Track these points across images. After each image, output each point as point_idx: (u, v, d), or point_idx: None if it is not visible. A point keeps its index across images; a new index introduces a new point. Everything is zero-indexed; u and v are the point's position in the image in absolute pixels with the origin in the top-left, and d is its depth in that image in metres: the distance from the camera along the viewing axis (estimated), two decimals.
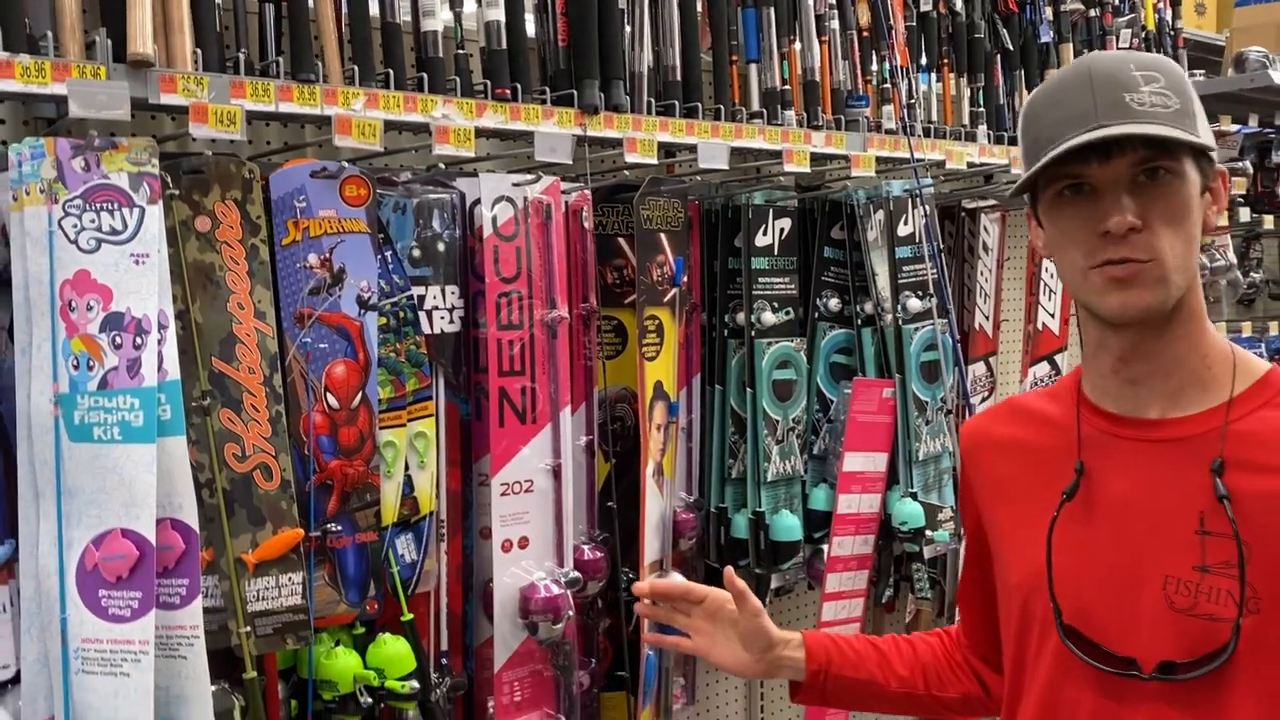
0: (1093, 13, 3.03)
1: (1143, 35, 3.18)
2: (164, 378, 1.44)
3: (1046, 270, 2.85)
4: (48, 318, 1.41)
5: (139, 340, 1.42)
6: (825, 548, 2.42)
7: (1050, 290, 2.85)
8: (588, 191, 2.05)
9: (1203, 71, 3.73)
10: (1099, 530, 1.17)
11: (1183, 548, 1.10)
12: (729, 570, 1.36)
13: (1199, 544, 1.10)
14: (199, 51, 1.58)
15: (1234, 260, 3.62)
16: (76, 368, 1.41)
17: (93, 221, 1.42)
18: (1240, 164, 3.43)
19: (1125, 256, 1.08)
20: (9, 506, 1.46)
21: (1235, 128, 3.48)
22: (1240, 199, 3.46)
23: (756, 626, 1.35)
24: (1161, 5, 3.28)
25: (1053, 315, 2.85)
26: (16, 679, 1.47)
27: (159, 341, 1.43)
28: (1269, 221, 3.63)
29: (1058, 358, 2.89)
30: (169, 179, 1.50)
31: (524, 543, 1.88)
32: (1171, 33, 3.27)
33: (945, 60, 2.70)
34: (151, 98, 1.53)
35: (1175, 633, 1.10)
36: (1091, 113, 1.07)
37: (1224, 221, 3.40)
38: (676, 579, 2.16)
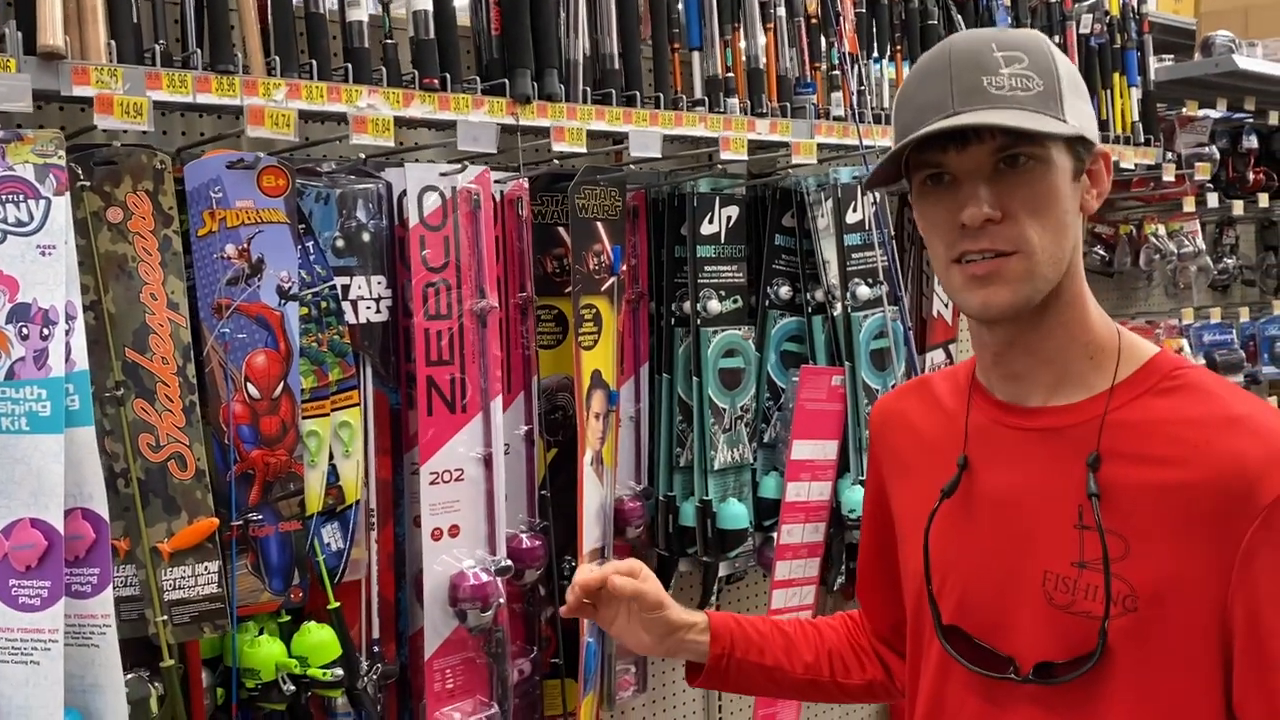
0: None
1: (1105, 20, 3.16)
2: (72, 368, 1.45)
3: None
4: None
5: (46, 331, 1.43)
6: (774, 535, 2.43)
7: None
8: (524, 181, 2.05)
9: (1172, 56, 3.71)
10: (981, 524, 1.14)
11: (1062, 542, 1.07)
12: (613, 579, 1.26)
13: (1078, 539, 1.06)
14: (114, 43, 1.58)
15: (1203, 246, 3.60)
16: None
17: None
18: (1208, 149, 3.41)
19: (985, 248, 1.03)
20: None
21: (1203, 113, 3.46)
22: (1209, 184, 3.44)
23: (657, 616, 1.31)
24: None
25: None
26: None
27: (66, 332, 1.44)
28: (1239, 207, 3.61)
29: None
30: (79, 170, 1.50)
31: (454, 531, 1.89)
32: (1136, 17, 3.25)
33: (899, 48, 2.69)
34: (64, 89, 1.53)
35: (1054, 631, 1.07)
36: (948, 99, 1.03)
37: (1190, 208, 3.39)
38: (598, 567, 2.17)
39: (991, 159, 1.03)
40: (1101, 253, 3.56)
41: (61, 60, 1.52)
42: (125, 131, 1.60)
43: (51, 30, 1.51)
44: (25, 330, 1.43)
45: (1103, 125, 3.13)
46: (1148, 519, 1.03)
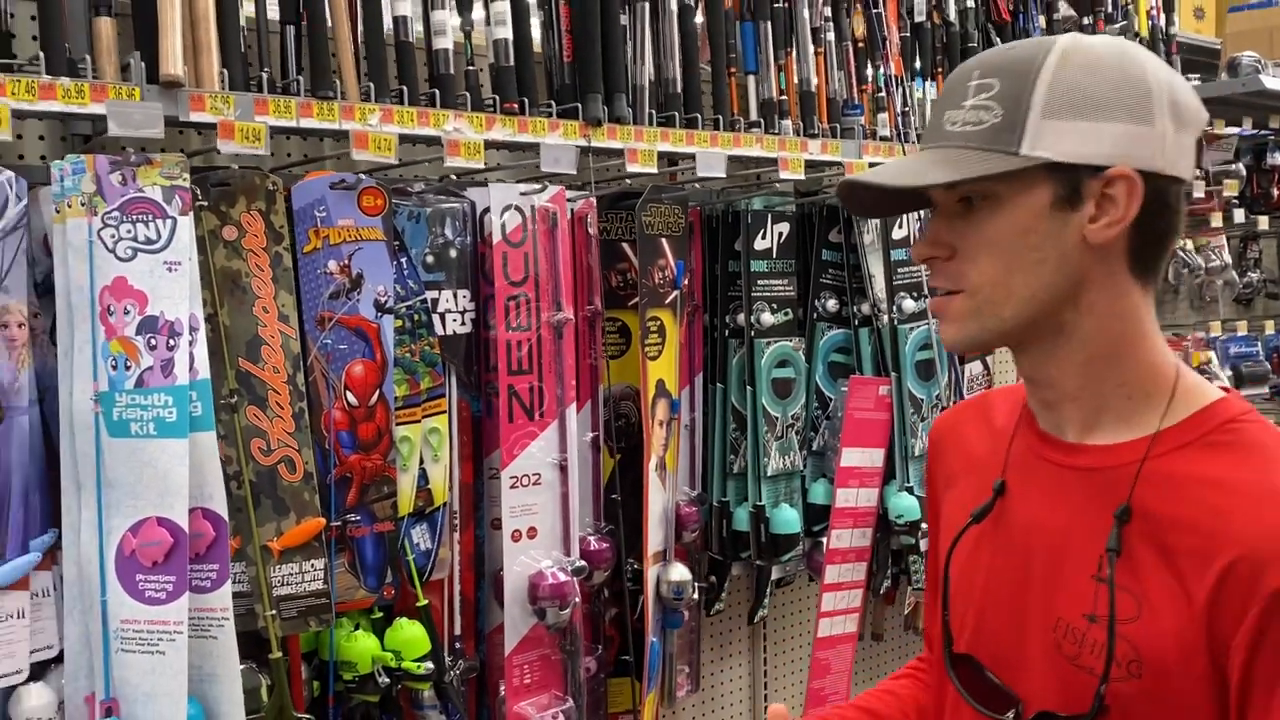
0: (1085, 20, 3.12)
1: (1136, 41, 3.26)
2: (195, 376, 1.54)
3: None
4: (88, 322, 1.52)
5: (172, 342, 1.53)
6: (824, 540, 2.52)
7: None
8: (593, 199, 2.15)
9: (1198, 76, 3.80)
10: (1009, 554, 1.09)
11: (1079, 591, 1.00)
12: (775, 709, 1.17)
13: (1093, 591, 0.99)
14: (225, 71, 1.69)
15: (1229, 260, 3.69)
16: (115, 368, 1.52)
17: (129, 232, 1.53)
18: (1235, 166, 3.51)
19: (934, 285, 1.03)
20: (52, 498, 1.57)
21: (1230, 130, 3.56)
22: (1235, 200, 3.53)
23: None
24: (1155, 11, 3.36)
25: None
26: (59, 658, 1.57)
27: (190, 343, 1.54)
28: (1264, 222, 3.70)
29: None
30: (198, 191, 1.60)
31: (532, 533, 1.98)
32: (1165, 39, 3.35)
33: (940, 69, 2.79)
34: (182, 115, 1.63)
35: (1059, 681, 1.01)
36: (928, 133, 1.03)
37: (1218, 223, 3.48)
38: (680, 570, 2.26)
39: (952, 196, 1.01)
40: None
41: (180, 88, 1.63)
42: (238, 155, 1.70)
43: (172, 60, 1.61)
44: (153, 341, 1.52)
45: None
46: (1162, 584, 0.96)
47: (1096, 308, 1.01)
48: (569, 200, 2.12)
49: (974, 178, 0.97)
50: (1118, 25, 3.17)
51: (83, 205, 1.52)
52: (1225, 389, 1.05)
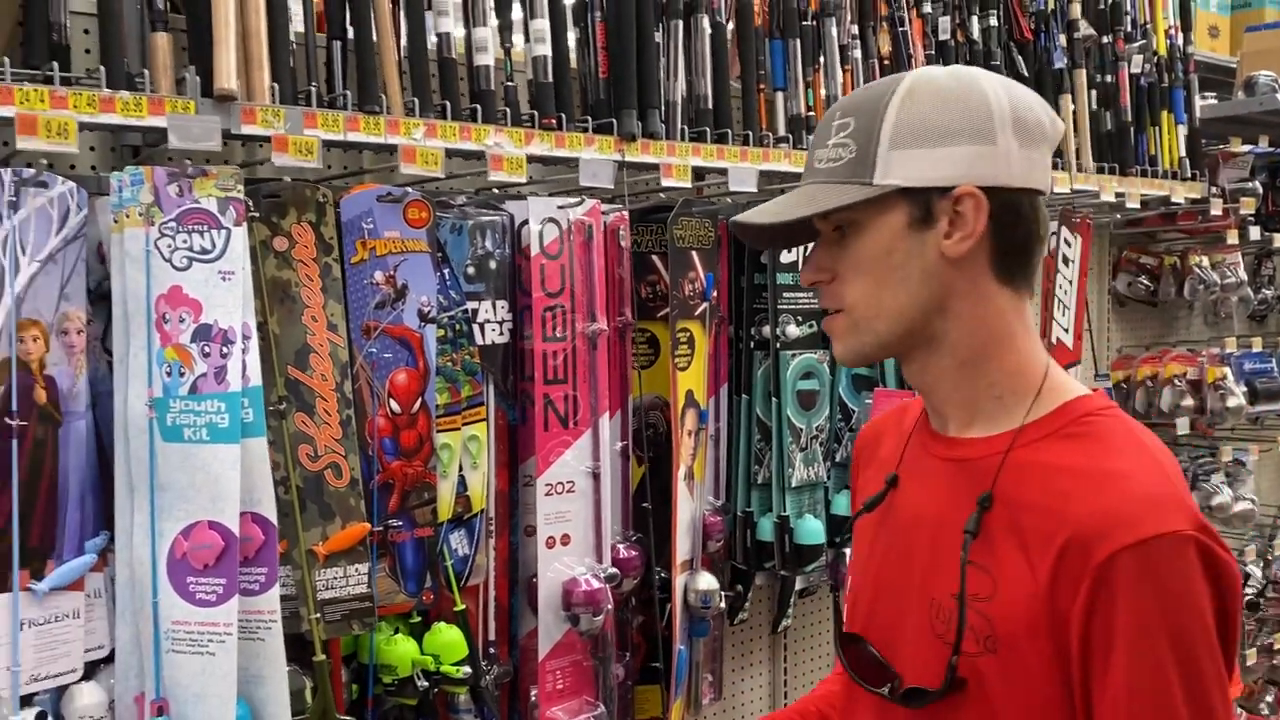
0: (1105, 39, 3.16)
1: (1154, 60, 3.30)
2: (247, 384, 1.58)
3: (1060, 287, 2.96)
4: (144, 329, 1.56)
5: (225, 350, 1.57)
6: (847, 551, 2.54)
7: (1064, 306, 2.97)
8: (625, 213, 2.19)
9: (1215, 94, 3.84)
10: (895, 542, 1.19)
11: (949, 574, 1.09)
12: None
13: (959, 572, 1.08)
14: (275, 86, 1.73)
15: (1245, 277, 3.72)
16: (169, 374, 1.56)
17: (185, 242, 1.56)
18: (1250, 184, 3.54)
19: (822, 306, 1.15)
20: (104, 501, 1.61)
21: (1246, 148, 3.59)
22: (1251, 218, 3.57)
23: None
24: (1173, 31, 3.39)
25: (1066, 330, 2.96)
26: (110, 658, 1.61)
27: (243, 351, 1.58)
28: (1278, 240, 3.73)
29: (1071, 371, 3.00)
30: (250, 203, 1.64)
31: (566, 540, 2.02)
32: (1183, 57, 3.39)
33: None
34: (234, 128, 1.67)
35: (930, 658, 1.09)
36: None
37: (1233, 240, 3.51)
38: (708, 579, 2.29)
39: (827, 225, 1.13)
40: (1146, 283, 3.68)
41: (233, 102, 1.67)
42: (282, 167, 1.74)
43: (226, 75, 1.65)
44: (207, 349, 1.56)
45: (1151, 160, 3.27)
46: (1014, 564, 1.05)
47: (963, 316, 1.11)
48: (602, 213, 2.16)
49: (834, 208, 1.08)
50: (1137, 44, 3.21)
51: (140, 215, 1.56)
52: (1095, 390, 1.17)
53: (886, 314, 1.11)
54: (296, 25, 1.83)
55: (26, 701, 1.51)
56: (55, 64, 1.56)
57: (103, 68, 1.59)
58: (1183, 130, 3.36)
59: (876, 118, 1.08)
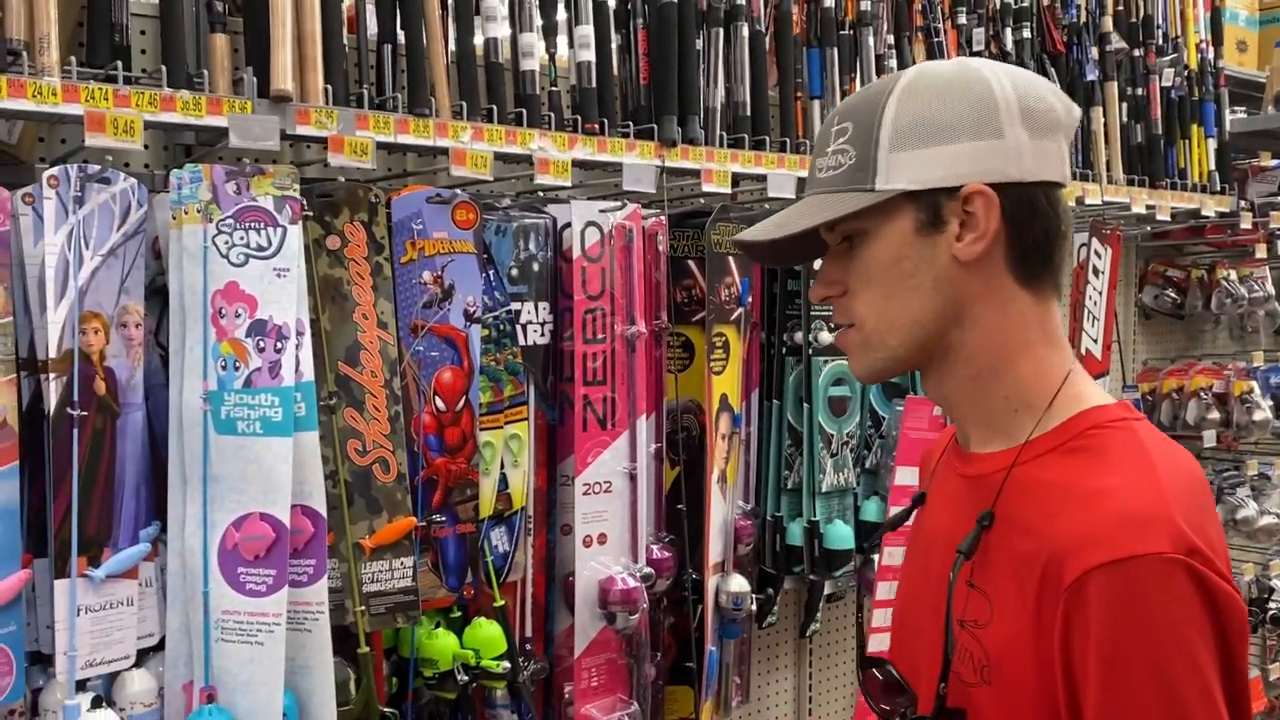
0: (1136, 53, 3.17)
1: (1185, 74, 3.31)
2: (300, 379, 1.61)
3: (1089, 298, 2.97)
4: (200, 323, 1.59)
5: (279, 345, 1.60)
6: (876, 557, 2.56)
7: (1093, 317, 2.98)
8: (664, 218, 2.22)
9: (1244, 109, 3.85)
10: (918, 562, 1.15)
11: (957, 596, 1.02)
12: None
13: (965, 596, 1.02)
14: (329, 87, 1.76)
15: (1272, 291, 3.73)
16: (224, 368, 1.59)
17: (242, 239, 1.60)
18: (1279, 198, 3.55)
19: (835, 321, 1.09)
20: (156, 492, 1.64)
21: (1275, 163, 3.59)
22: (1278, 233, 3.57)
23: None
24: (1204, 44, 3.41)
25: (1095, 341, 2.97)
26: (160, 645, 1.64)
27: (296, 346, 1.61)
28: None
29: (1099, 382, 3.01)
30: (304, 202, 1.67)
31: (602, 539, 2.04)
32: (1213, 71, 3.40)
33: None
34: (289, 129, 1.71)
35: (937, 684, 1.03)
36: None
37: (1262, 254, 3.51)
38: (740, 581, 2.31)
39: (834, 237, 1.07)
40: (1173, 295, 3.69)
41: (289, 103, 1.70)
42: (330, 167, 1.77)
43: (283, 76, 1.69)
44: (262, 344, 1.59)
45: (1181, 173, 3.28)
46: (1009, 590, 0.98)
47: (981, 323, 1.04)
48: (641, 219, 2.18)
49: (836, 219, 1.02)
50: (1168, 57, 3.22)
51: (199, 212, 1.59)
52: (1121, 400, 1.08)
53: (899, 326, 1.04)
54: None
55: (81, 686, 1.54)
56: (119, 64, 1.59)
57: (164, 67, 1.63)
58: (1212, 144, 3.37)
59: (874, 119, 1.01)
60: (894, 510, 2.59)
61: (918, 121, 1.00)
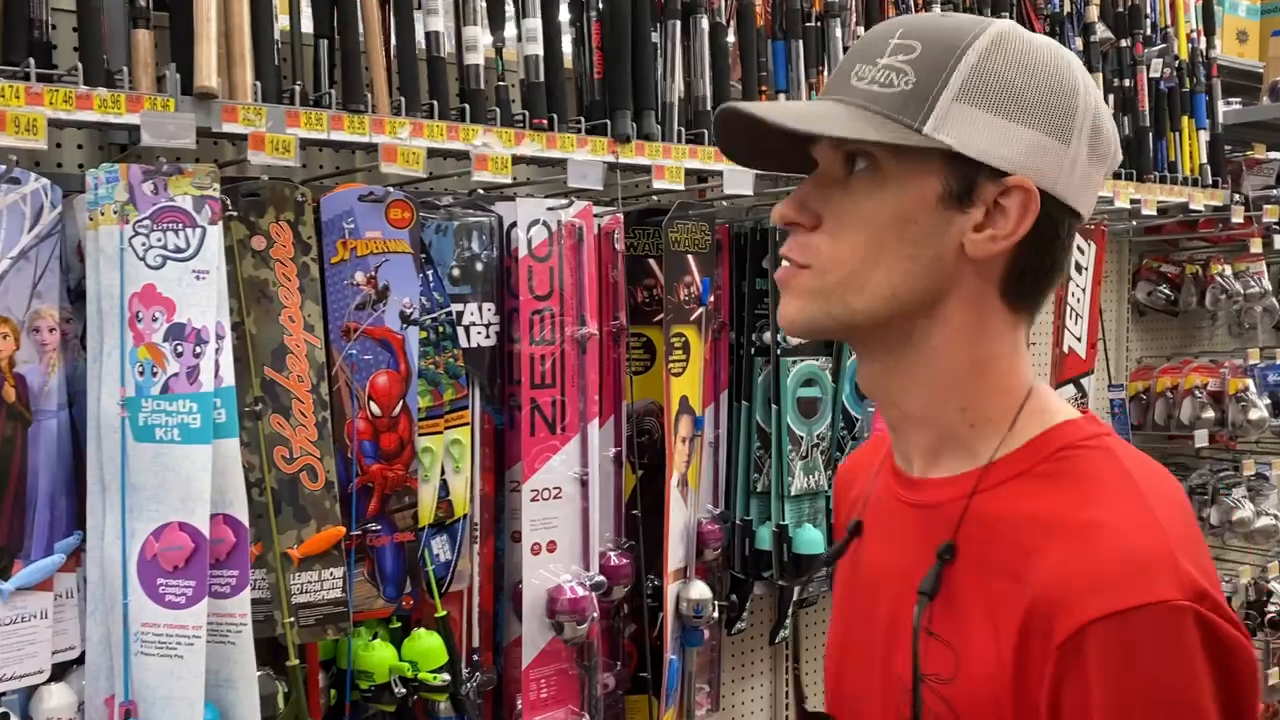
0: (1124, 43, 3.09)
1: (1175, 64, 3.22)
2: (220, 384, 1.56)
3: (1072, 295, 2.90)
4: (117, 328, 1.54)
5: (198, 349, 1.55)
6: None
7: (1076, 314, 2.91)
8: (620, 215, 2.16)
9: (1240, 99, 3.75)
10: (860, 603, 1.01)
11: (909, 644, 0.89)
12: None
13: (924, 646, 0.89)
14: (258, 84, 1.71)
15: (1269, 287, 3.63)
16: (142, 374, 1.54)
17: (159, 240, 1.55)
18: (1275, 191, 3.45)
19: (786, 255, 0.92)
20: (78, 501, 1.59)
21: (1271, 155, 3.50)
22: (1275, 226, 3.48)
23: None
24: (1195, 34, 3.32)
25: (1079, 339, 2.90)
26: (81, 659, 1.59)
27: (216, 351, 1.56)
28: None
29: (1084, 381, 2.93)
30: (228, 201, 1.62)
31: (552, 546, 1.99)
32: (1205, 62, 3.31)
33: None
34: (215, 126, 1.66)
35: None
36: (827, 86, 0.91)
37: (1257, 248, 3.42)
38: (701, 588, 2.26)
39: (837, 159, 0.91)
40: (1166, 292, 3.60)
41: (214, 100, 1.65)
42: (269, 166, 1.72)
43: (207, 72, 1.64)
44: (180, 348, 1.55)
45: (1171, 167, 3.19)
46: (980, 639, 0.86)
47: (952, 323, 0.91)
48: (596, 216, 2.13)
49: (869, 141, 0.86)
50: (1157, 48, 3.14)
51: (115, 214, 1.54)
52: (1084, 410, 0.96)
53: (870, 291, 0.89)
54: (282, 23, 1.82)
55: None
56: (33, 60, 1.55)
57: (80, 65, 1.58)
58: (1204, 136, 3.28)
59: (952, 54, 0.86)
60: None
61: (997, 81, 0.86)
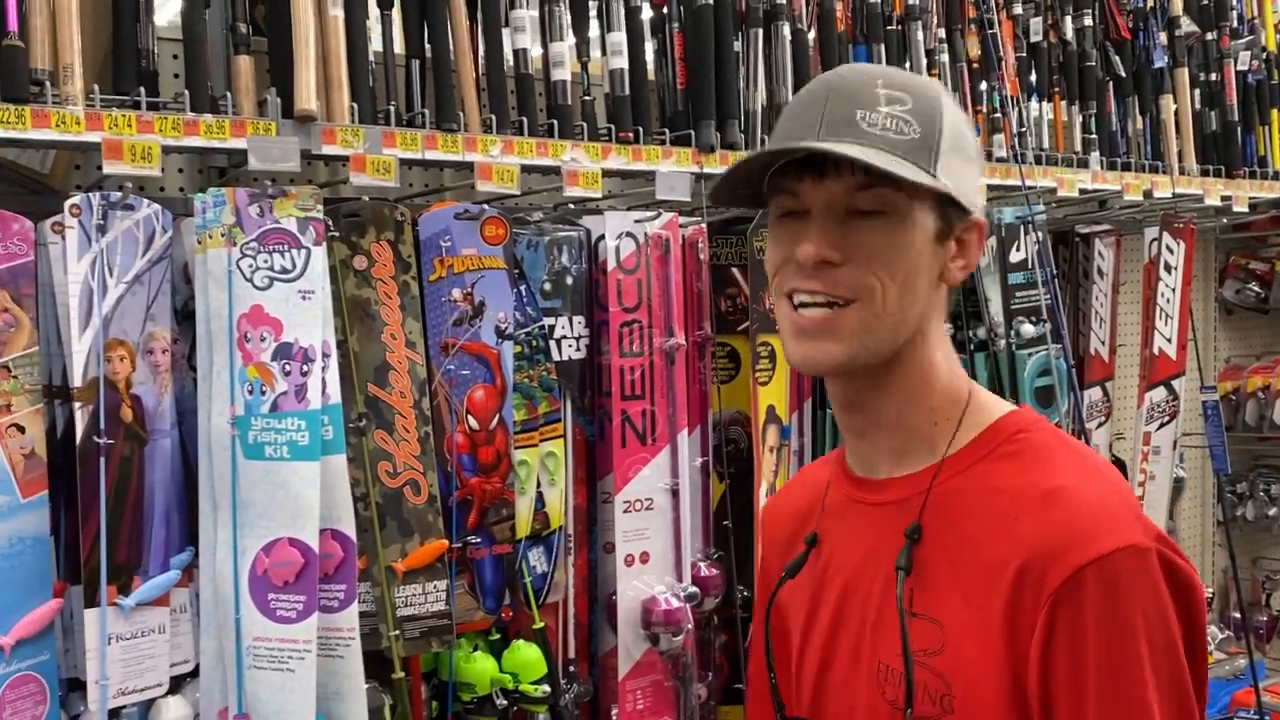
0: (1209, 36, 3.02)
1: (1263, 57, 3.14)
2: (327, 401, 1.59)
3: (1162, 295, 2.84)
4: (226, 348, 1.58)
5: (305, 368, 1.58)
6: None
7: (1166, 315, 2.85)
8: (703, 225, 2.16)
9: None
10: (830, 608, 1.06)
11: (893, 630, 0.97)
12: None
13: (908, 626, 0.96)
14: (355, 105, 1.74)
15: None
16: (251, 393, 1.57)
17: (266, 262, 1.58)
18: None
19: (816, 290, 0.95)
20: (190, 518, 1.63)
21: None
22: None
23: None
24: None
25: (1169, 340, 2.84)
26: (195, 673, 1.63)
27: (323, 369, 1.59)
28: None
29: (1175, 383, 2.87)
30: (330, 222, 1.66)
31: (645, 558, 1.99)
32: None
33: (1056, 89, 2.73)
34: (314, 149, 1.69)
35: None
36: (814, 128, 0.95)
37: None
38: None
39: (846, 198, 0.96)
40: (1256, 289, 3.51)
41: (313, 122, 1.69)
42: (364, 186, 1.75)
43: (307, 95, 1.67)
44: (288, 367, 1.58)
45: (1261, 161, 3.11)
46: (960, 609, 0.94)
47: (929, 339, 1.02)
48: (680, 226, 2.13)
49: (910, 180, 0.93)
50: (1244, 40, 3.06)
51: (223, 236, 1.58)
52: (1023, 405, 1.08)
53: (902, 322, 0.98)
54: (375, 45, 1.85)
55: (114, 715, 1.54)
56: (142, 89, 1.59)
57: (187, 92, 1.62)
58: None
59: (936, 110, 0.97)
60: None
61: (960, 135, 0.99)
